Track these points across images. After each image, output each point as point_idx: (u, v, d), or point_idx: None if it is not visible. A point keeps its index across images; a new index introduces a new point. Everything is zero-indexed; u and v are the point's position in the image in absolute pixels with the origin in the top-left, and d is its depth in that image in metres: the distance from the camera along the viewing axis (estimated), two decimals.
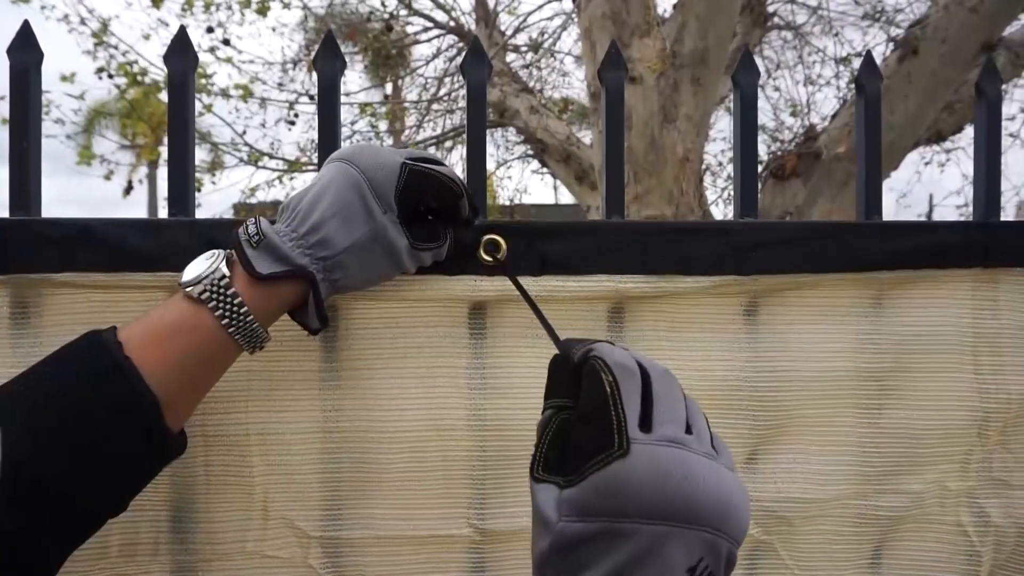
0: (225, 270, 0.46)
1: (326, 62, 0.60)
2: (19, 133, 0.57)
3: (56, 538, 0.44)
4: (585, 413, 0.36)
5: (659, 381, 0.37)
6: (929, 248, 0.64)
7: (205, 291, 0.46)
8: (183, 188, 0.59)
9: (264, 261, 0.47)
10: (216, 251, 0.49)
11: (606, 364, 0.36)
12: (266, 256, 0.47)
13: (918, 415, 0.64)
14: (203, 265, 0.47)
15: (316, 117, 0.62)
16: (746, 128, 0.66)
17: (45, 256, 0.54)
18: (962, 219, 0.68)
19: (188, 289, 0.46)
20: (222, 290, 0.46)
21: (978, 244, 0.64)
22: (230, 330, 0.46)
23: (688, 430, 0.36)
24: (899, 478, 0.64)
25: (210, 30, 4.51)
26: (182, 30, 0.59)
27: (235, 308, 0.46)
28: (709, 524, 0.33)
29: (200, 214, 0.59)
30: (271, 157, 4.71)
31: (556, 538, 0.34)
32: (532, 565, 0.36)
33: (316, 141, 0.62)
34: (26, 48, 0.57)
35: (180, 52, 0.59)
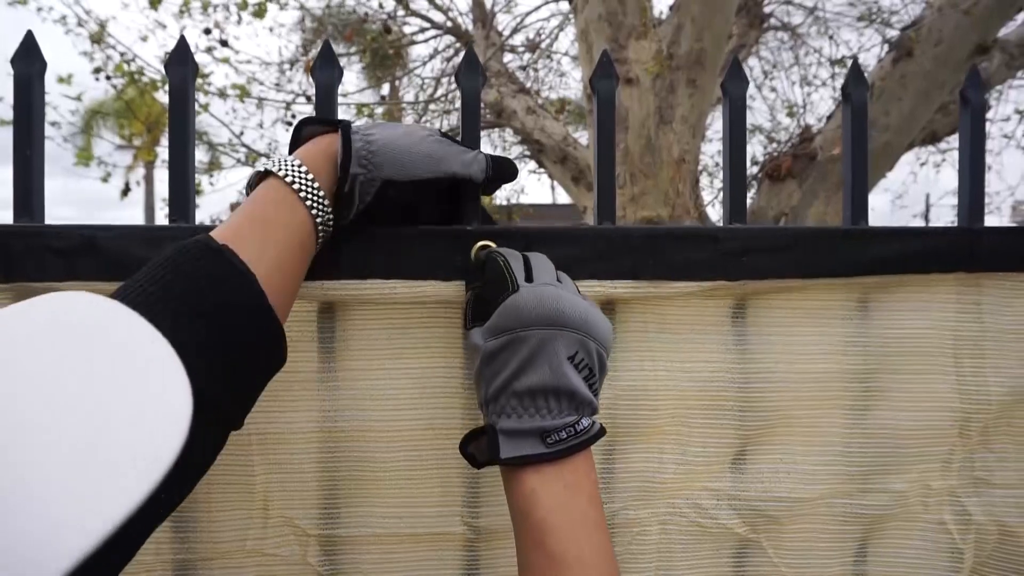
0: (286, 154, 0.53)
1: (324, 71, 0.61)
2: (23, 141, 0.58)
3: (190, 474, 0.44)
4: (489, 279, 0.52)
5: (535, 259, 0.54)
6: (914, 254, 0.65)
7: (273, 164, 0.51)
8: (184, 194, 0.60)
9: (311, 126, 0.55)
10: None
11: (498, 251, 0.54)
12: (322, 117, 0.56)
13: (902, 416, 0.66)
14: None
15: None
16: (735, 135, 0.67)
17: (49, 266, 0.56)
18: (946, 225, 0.69)
19: (257, 169, 0.51)
20: (285, 160, 0.51)
21: (962, 250, 0.66)
22: (287, 179, 0.50)
23: (557, 281, 0.52)
24: (883, 477, 0.66)
25: (207, 31, 4.51)
26: (182, 39, 0.60)
27: (295, 166, 0.50)
28: (576, 327, 0.48)
29: (198, 215, 0.60)
30: (268, 158, 4.71)
31: (483, 354, 0.49)
32: (476, 391, 0.52)
33: None
34: (30, 58, 0.58)
35: (180, 61, 0.60)
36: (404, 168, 0.53)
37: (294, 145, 0.55)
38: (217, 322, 0.42)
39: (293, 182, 0.50)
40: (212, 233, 0.46)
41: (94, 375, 0.29)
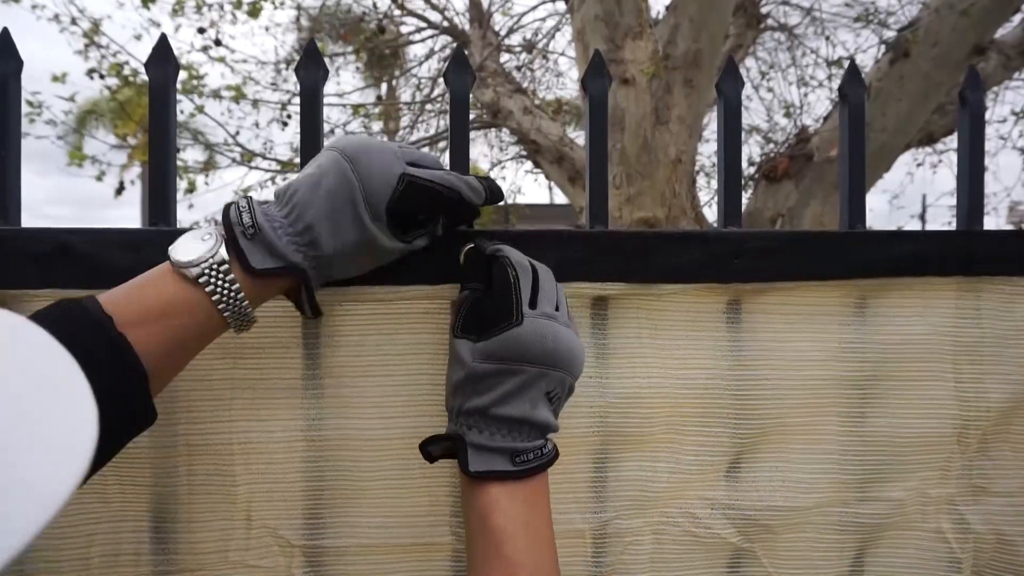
0: (225, 255, 0.47)
1: (308, 71, 0.60)
2: None
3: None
4: (496, 294, 0.51)
5: (543, 275, 0.54)
6: (912, 257, 0.64)
7: (203, 275, 0.46)
8: (164, 197, 0.58)
9: (258, 255, 0.48)
10: (210, 230, 0.48)
11: (511, 262, 0.52)
12: (261, 250, 0.48)
13: (900, 423, 0.65)
14: (199, 247, 0.47)
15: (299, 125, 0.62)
16: (730, 137, 0.66)
17: (26, 273, 0.54)
18: (944, 228, 0.68)
19: (184, 271, 0.46)
20: (222, 276, 0.46)
21: (960, 253, 0.65)
22: (225, 314, 0.47)
23: (556, 308, 0.52)
24: (880, 485, 0.65)
25: (202, 31, 4.49)
26: (163, 38, 0.59)
27: (232, 294, 0.47)
28: (562, 367, 0.51)
29: (194, 214, 0.59)
30: (264, 158, 4.70)
31: (469, 372, 0.50)
32: (446, 392, 0.53)
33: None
34: (5, 57, 0.57)
35: (161, 60, 0.58)
36: (345, 271, 0.53)
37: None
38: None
39: (220, 302, 0.47)
40: (114, 306, 0.44)
41: None
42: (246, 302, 0.48)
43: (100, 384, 0.41)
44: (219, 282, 0.46)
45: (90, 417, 0.26)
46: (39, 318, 0.44)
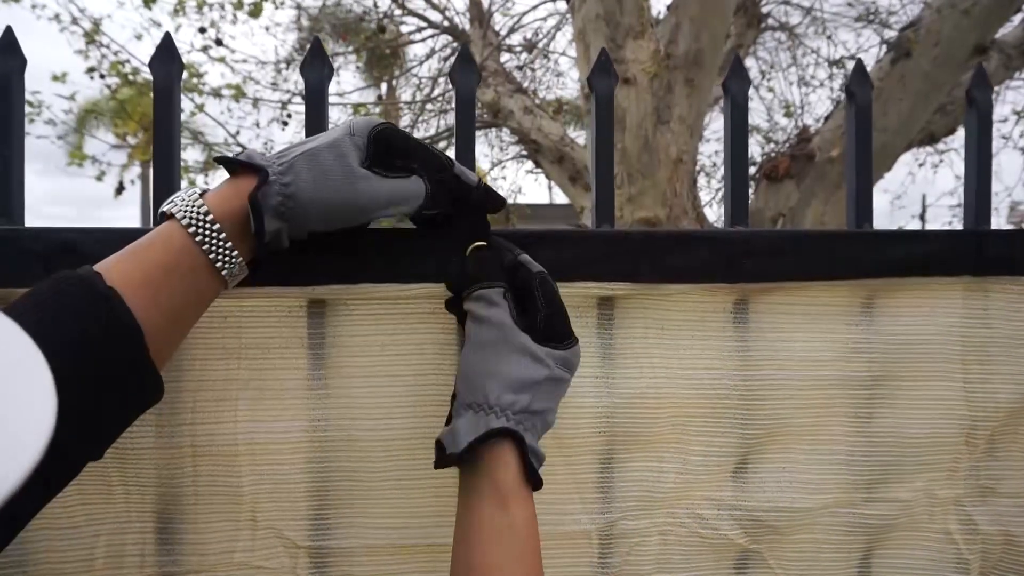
0: (198, 190, 0.49)
1: (313, 69, 0.60)
2: (1, 140, 0.56)
3: (36, 492, 0.42)
4: (555, 310, 0.53)
5: None
6: (920, 257, 0.64)
7: (175, 206, 0.47)
8: (169, 195, 0.58)
9: (233, 160, 0.50)
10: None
11: (546, 276, 0.54)
12: (239, 159, 0.50)
13: (907, 423, 0.64)
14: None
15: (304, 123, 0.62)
16: (737, 135, 0.66)
17: (29, 272, 0.54)
18: (953, 227, 0.68)
19: (163, 209, 0.48)
20: (191, 203, 0.48)
21: (968, 253, 0.64)
22: (197, 239, 0.47)
23: None
24: (888, 486, 0.64)
25: (202, 30, 4.48)
26: (167, 36, 0.59)
27: (201, 216, 0.47)
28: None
29: None
30: (172, 199, 4.67)
31: (552, 375, 0.51)
32: (494, 382, 0.50)
33: None
34: (9, 54, 0.56)
35: (166, 58, 0.58)
36: (327, 222, 0.51)
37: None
38: (92, 371, 0.42)
39: (190, 226, 0.47)
40: (104, 269, 0.44)
41: None
42: (217, 224, 0.47)
43: (94, 336, 0.42)
44: (188, 207, 0.47)
45: (47, 407, 0.25)
46: (35, 291, 0.43)
